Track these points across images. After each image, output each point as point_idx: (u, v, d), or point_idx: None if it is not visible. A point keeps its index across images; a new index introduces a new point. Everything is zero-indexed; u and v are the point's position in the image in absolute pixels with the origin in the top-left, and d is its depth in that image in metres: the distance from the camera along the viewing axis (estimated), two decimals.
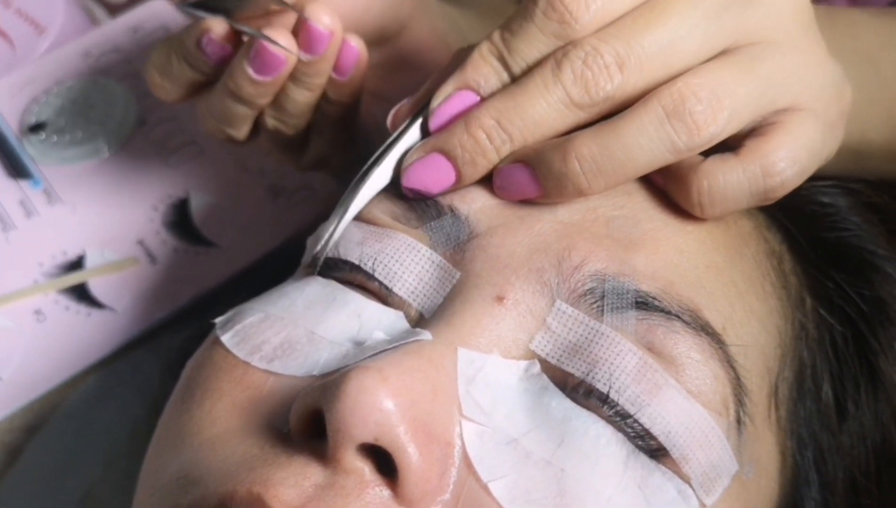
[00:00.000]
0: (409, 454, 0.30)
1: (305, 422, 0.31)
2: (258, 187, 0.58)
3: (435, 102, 0.36)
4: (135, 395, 0.52)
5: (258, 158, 0.59)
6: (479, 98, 0.35)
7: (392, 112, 0.38)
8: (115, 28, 0.65)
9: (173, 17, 0.66)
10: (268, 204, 0.58)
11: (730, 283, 0.36)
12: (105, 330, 0.54)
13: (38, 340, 0.54)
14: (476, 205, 0.36)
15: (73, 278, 0.55)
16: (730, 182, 0.35)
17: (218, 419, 0.34)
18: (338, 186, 0.58)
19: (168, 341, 0.53)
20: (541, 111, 0.34)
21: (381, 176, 0.37)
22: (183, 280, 0.56)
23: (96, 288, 0.55)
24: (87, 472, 0.50)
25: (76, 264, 0.56)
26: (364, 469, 0.30)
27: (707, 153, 0.35)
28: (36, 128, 0.60)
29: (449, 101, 0.35)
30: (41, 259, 0.56)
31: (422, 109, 0.37)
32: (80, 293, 0.55)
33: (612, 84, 0.33)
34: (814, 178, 0.37)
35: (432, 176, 0.36)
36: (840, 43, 0.38)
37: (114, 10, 0.65)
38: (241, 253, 0.56)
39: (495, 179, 0.36)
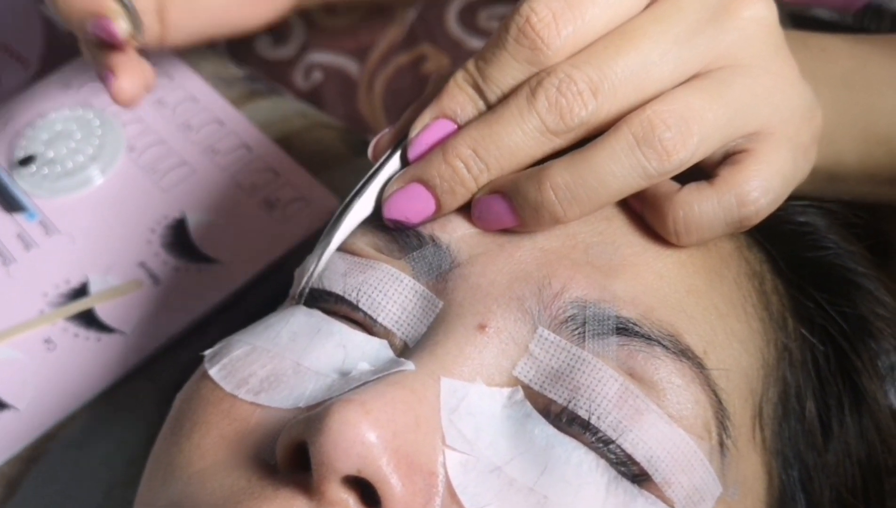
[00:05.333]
0: (392, 485, 0.30)
1: (291, 455, 0.32)
2: (252, 202, 0.59)
3: (413, 132, 0.36)
4: (132, 424, 0.53)
5: (250, 174, 0.60)
6: (456, 126, 0.35)
7: (373, 143, 0.38)
8: None
9: None
10: (264, 217, 0.58)
11: (710, 307, 0.36)
12: (117, 353, 0.55)
13: (50, 368, 0.54)
14: (457, 234, 0.36)
15: (79, 305, 0.56)
16: (705, 212, 0.35)
17: (206, 452, 0.34)
18: (335, 196, 0.59)
19: (165, 369, 0.54)
20: (517, 139, 0.34)
21: (363, 206, 0.37)
22: (188, 297, 0.56)
23: (103, 313, 0.56)
24: (87, 502, 0.51)
25: (80, 291, 0.57)
26: (348, 500, 0.31)
27: (682, 179, 0.35)
28: (25, 161, 0.61)
29: (427, 131, 0.36)
30: (45, 289, 0.57)
31: (402, 140, 0.37)
32: (88, 319, 0.56)
33: (587, 110, 0.34)
34: (790, 198, 0.37)
35: (412, 205, 0.36)
36: (814, 66, 0.38)
37: None
38: (242, 266, 0.57)
39: (473, 210, 0.36)
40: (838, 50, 0.46)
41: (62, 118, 0.62)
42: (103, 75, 0.44)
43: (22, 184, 0.61)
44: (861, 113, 0.45)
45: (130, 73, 0.43)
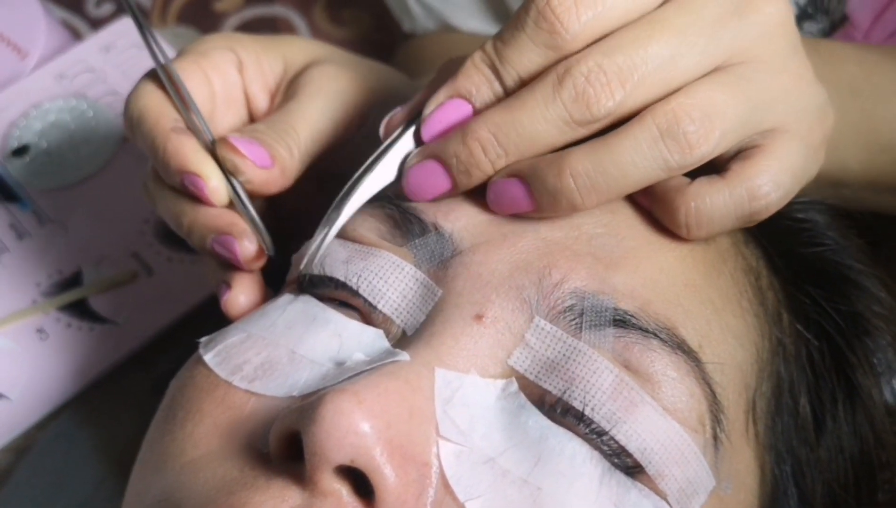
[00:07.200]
0: (386, 475, 0.30)
1: (284, 444, 0.32)
2: None
3: (427, 110, 0.36)
4: (124, 414, 0.53)
5: None
6: (471, 106, 0.35)
7: (385, 120, 0.38)
8: (87, 49, 0.66)
9: None
10: None
11: (707, 301, 0.36)
12: (109, 343, 0.55)
13: (43, 358, 0.55)
14: (460, 222, 0.36)
15: (72, 295, 0.56)
16: (716, 204, 0.35)
17: (199, 441, 0.34)
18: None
19: (158, 360, 0.54)
20: (538, 127, 0.34)
21: (373, 183, 0.37)
22: (182, 288, 0.56)
23: (96, 303, 0.56)
24: (78, 492, 0.51)
25: (73, 281, 0.57)
26: (341, 490, 0.31)
27: (692, 174, 0.35)
28: (19, 151, 0.61)
29: (441, 109, 0.36)
30: (38, 279, 0.57)
31: (415, 118, 0.37)
32: (81, 309, 0.56)
33: (614, 100, 0.33)
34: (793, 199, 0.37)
35: (428, 181, 0.36)
36: (822, 72, 0.38)
37: (96, 25, 0.66)
38: None
39: (489, 193, 0.36)
40: (847, 56, 0.46)
41: (56, 108, 0.63)
42: (218, 288, 0.41)
43: (15, 174, 0.60)
44: (866, 120, 0.45)
45: (247, 288, 0.40)
